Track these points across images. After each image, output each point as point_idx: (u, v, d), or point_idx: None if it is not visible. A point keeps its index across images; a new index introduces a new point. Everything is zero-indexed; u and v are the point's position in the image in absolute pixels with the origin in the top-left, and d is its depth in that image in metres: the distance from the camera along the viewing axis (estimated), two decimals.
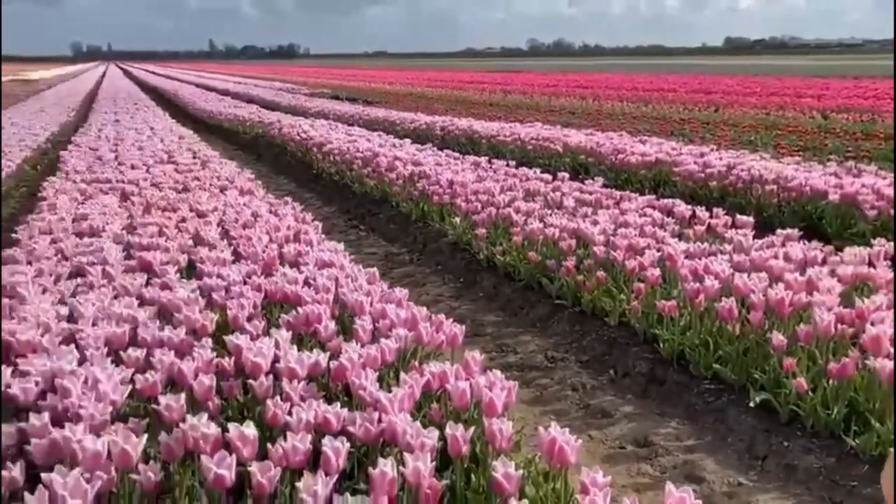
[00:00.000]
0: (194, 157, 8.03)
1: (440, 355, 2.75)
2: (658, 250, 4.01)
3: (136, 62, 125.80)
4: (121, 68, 74.86)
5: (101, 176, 6.52)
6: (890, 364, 2.52)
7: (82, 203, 5.38)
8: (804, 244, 4.06)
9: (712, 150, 8.14)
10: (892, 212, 5.17)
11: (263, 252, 3.76)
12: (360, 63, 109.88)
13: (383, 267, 5.81)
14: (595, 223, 4.66)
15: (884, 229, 5.15)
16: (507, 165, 7.38)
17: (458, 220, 5.60)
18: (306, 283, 3.31)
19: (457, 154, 8.43)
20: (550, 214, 5.18)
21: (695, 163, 7.10)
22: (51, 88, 32.39)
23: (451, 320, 2.85)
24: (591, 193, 5.72)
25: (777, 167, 6.54)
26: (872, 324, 2.80)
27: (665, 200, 5.30)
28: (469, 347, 4.05)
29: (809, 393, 2.75)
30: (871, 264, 3.65)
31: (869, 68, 42.00)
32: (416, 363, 2.53)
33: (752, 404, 2.92)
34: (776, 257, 3.69)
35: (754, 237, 4.28)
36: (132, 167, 7.24)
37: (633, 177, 7.63)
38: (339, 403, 2.15)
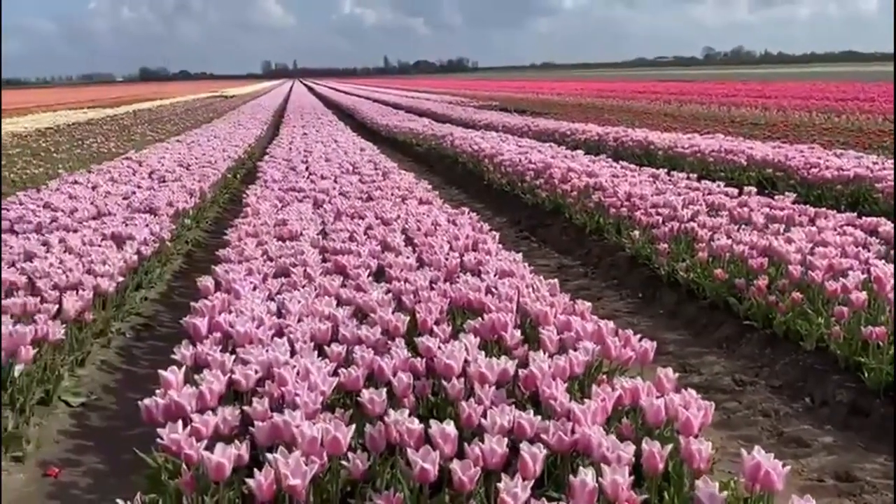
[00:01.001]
0: (375, 168, 8.46)
1: (626, 371, 2.71)
2: (862, 272, 3.70)
3: (317, 79, 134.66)
4: (305, 85, 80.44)
5: (295, 185, 7.05)
6: None
7: (281, 209, 5.86)
8: None
9: None
10: None
11: (446, 259, 3.89)
12: (527, 75, 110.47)
13: (556, 279, 5.81)
14: (789, 241, 4.38)
15: None
16: (688, 178, 7.12)
17: (636, 233, 5.48)
18: (488, 291, 3.39)
19: (632, 166, 8.25)
20: (738, 230, 4.94)
21: None
22: (245, 104, 35.41)
23: (637, 336, 2.81)
24: (781, 209, 5.39)
25: None
26: None
27: (868, 219, 4.89)
28: (650, 366, 4.00)
29: None
30: None
31: None
32: (604, 377, 2.51)
33: None
34: None
35: None
36: (322, 177, 7.77)
37: (827, 193, 7.09)
38: (531, 411, 2.19)
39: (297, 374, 2.42)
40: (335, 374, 2.51)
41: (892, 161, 7.64)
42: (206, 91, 64.14)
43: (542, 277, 5.76)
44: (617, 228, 5.95)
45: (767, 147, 9.34)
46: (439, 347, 2.66)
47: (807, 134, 13.64)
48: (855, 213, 5.23)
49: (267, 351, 2.61)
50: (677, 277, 4.75)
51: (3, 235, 4.98)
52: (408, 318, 3.10)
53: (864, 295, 3.40)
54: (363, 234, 4.70)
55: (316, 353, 2.68)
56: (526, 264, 4.00)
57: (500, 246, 4.60)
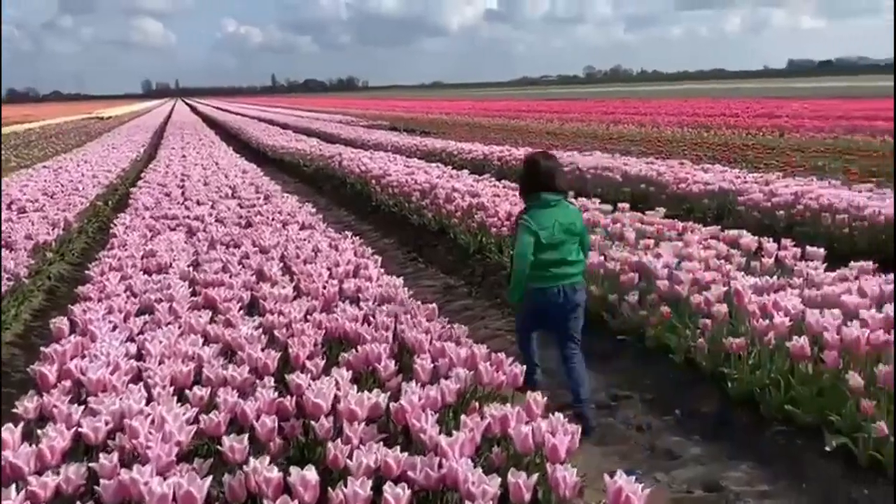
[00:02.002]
0: (257, 192, 8.22)
1: (499, 395, 2.71)
2: (724, 284, 3.89)
3: (202, 98, 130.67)
4: (188, 104, 77.86)
5: (168, 212, 6.74)
6: None
7: (151, 239, 5.57)
8: (880, 277, 3.88)
9: (778, 177, 7.92)
10: None
11: (324, 288, 3.80)
12: (417, 94, 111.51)
13: (441, 300, 5.81)
14: (658, 256, 4.56)
15: None
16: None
17: None
18: (366, 319, 3.32)
19: (515, 185, 8.41)
20: (611, 247, 5.10)
21: (760, 191, 6.91)
22: (122, 125, 33.83)
23: (510, 359, 2.81)
24: (652, 224, 5.61)
25: (848, 195, 6.31)
26: None
27: (730, 232, 5.16)
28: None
29: (891, 438, 2.60)
30: None
31: None
32: (476, 405, 2.49)
33: (828, 448, 2.78)
34: (850, 292, 3.53)
35: (825, 269, 4.13)
36: (198, 203, 7.47)
37: (695, 206, 7.47)
38: (399, 447, 2.13)
39: (152, 422, 2.26)
40: (196, 420, 2.36)
41: (752, 173, 8.17)
42: (81, 112, 60.88)
43: (428, 299, 5.81)
44: (499, 247, 6.02)
45: (641, 163, 9.76)
46: (310, 384, 2.56)
47: (679, 149, 14.41)
48: (719, 227, 5.49)
49: (120, 399, 2.43)
50: None
51: None
52: (280, 353, 2.99)
53: (724, 308, 3.56)
54: (238, 264, 4.53)
55: (176, 398, 2.52)
56: (406, 289, 3.95)
57: (382, 270, 4.55)
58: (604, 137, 18.88)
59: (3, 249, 5.53)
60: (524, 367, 2.78)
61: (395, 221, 8.64)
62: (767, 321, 3.24)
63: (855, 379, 2.77)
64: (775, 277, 3.95)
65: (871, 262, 4.13)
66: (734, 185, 7.34)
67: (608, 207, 6.47)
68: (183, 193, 8.26)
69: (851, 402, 2.80)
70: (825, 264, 4.23)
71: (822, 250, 4.49)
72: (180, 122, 35.56)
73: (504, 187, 8.20)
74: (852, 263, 4.14)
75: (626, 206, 6.49)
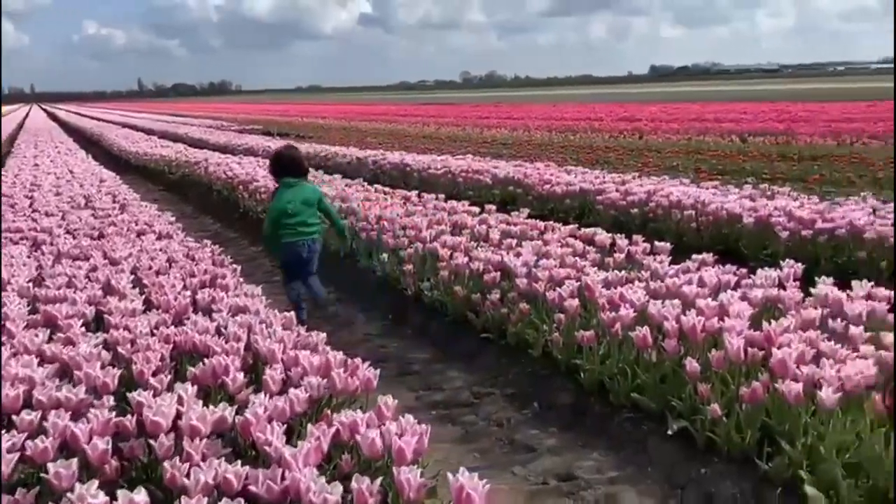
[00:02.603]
0: (114, 201, 7.78)
1: (356, 402, 2.68)
2: (577, 280, 4.04)
3: (61, 103, 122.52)
4: (44, 110, 72.74)
5: (11, 225, 6.24)
6: (797, 386, 2.58)
7: None
8: (719, 268, 4.16)
9: (634, 177, 8.34)
10: (804, 233, 5.35)
11: (175, 300, 3.63)
12: (293, 98, 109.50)
13: (311, 308, 5.71)
14: (518, 255, 4.68)
15: (797, 249, 5.34)
16: (437, 199, 7.39)
17: (385, 256, 5.56)
18: (218, 331, 3.20)
19: (387, 188, 8.40)
20: (477, 247, 5.19)
21: (617, 190, 7.25)
22: None
23: (366, 364, 2.79)
24: (516, 225, 5.76)
25: (695, 192, 6.73)
26: (779, 347, 2.86)
27: (587, 229, 5.38)
28: (397, 387, 4.03)
29: (724, 419, 2.78)
30: (781, 286, 3.75)
31: (785, 93, 44.14)
32: (329, 412, 2.45)
33: (670, 432, 2.94)
34: (690, 283, 3.75)
35: (674, 262, 4.38)
36: (47, 214, 6.98)
37: (558, 206, 7.74)
38: (247, 461, 2.07)
39: None
40: (22, 447, 2.19)
41: (611, 174, 8.57)
42: None
43: (277, 311, 5.70)
44: (368, 252, 5.99)
45: (510, 166, 10.02)
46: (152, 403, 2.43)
47: (547, 152, 14.91)
48: (577, 226, 5.70)
49: None
50: (423, 297, 4.87)
51: None
52: (124, 371, 2.82)
53: (576, 302, 3.69)
54: (84, 278, 4.25)
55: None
56: (264, 298, 3.84)
57: (242, 279, 4.41)
58: (477, 141, 19.27)
59: None
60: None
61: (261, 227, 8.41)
62: (614, 313, 3.39)
63: (692, 365, 2.94)
64: (625, 272, 4.15)
65: (711, 255, 4.41)
66: (594, 186, 7.66)
67: (476, 209, 6.58)
68: (31, 204, 7.69)
69: (690, 386, 2.97)
70: (671, 258, 4.48)
71: (668, 245, 4.76)
72: (35, 128, 33.16)
73: (376, 191, 8.18)
74: (695, 256, 4.41)
75: (493, 207, 6.62)
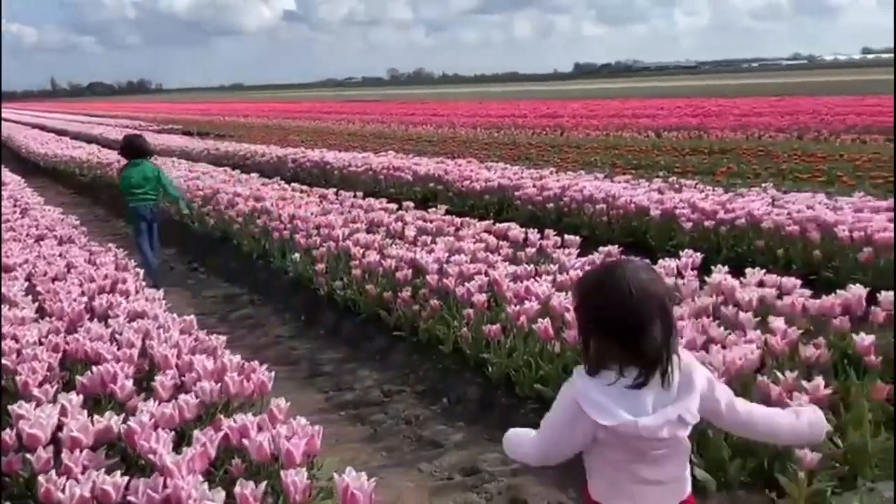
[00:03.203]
0: (14, 206, 7.42)
1: (253, 406, 2.63)
2: (487, 275, 4.07)
3: None
4: None
5: None
6: None
7: None
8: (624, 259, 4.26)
9: (552, 172, 8.48)
10: (706, 223, 5.55)
11: (69, 307, 3.48)
12: (215, 97, 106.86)
13: (222, 310, 5.60)
14: (431, 251, 4.68)
15: (700, 240, 5.52)
16: (354, 196, 7.33)
17: (297, 256, 5.48)
18: (113, 338, 3.09)
19: (304, 187, 8.28)
20: (392, 245, 5.17)
21: (534, 186, 7.35)
22: None
23: (264, 367, 2.73)
24: (432, 221, 5.76)
25: (607, 187, 6.89)
26: None
27: (502, 225, 5.42)
28: (307, 388, 3.99)
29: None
30: (679, 275, 3.87)
31: (701, 89, 45.71)
32: (221, 418, 2.39)
33: None
34: None
35: (584, 254, 4.47)
36: None
37: (478, 202, 7.79)
38: (130, 471, 2.00)
39: None
40: None
41: (530, 170, 8.69)
42: None
43: (208, 311, 5.56)
44: (282, 252, 5.89)
45: (432, 163, 10.03)
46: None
47: (471, 149, 14.99)
48: (491, 221, 5.74)
49: None
50: (335, 297, 4.82)
51: None
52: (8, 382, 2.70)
53: (484, 297, 3.72)
54: None
55: None
56: (164, 301, 3.73)
57: (144, 283, 4.27)
58: (403, 138, 19.21)
59: None
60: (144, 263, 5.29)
61: (177, 230, 8.17)
62: (520, 306, 3.43)
63: None
64: (535, 266, 4.21)
65: (618, 247, 4.52)
66: (511, 182, 7.75)
67: (394, 206, 6.56)
68: None
69: None
70: (580, 251, 4.57)
71: (577, 238, 4.86)
72: None
73: (293, 190, 8.06)
74: (602, 248, 4.50)
75: (411, 204, 6.62)
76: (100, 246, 5.28)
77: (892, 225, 4.63)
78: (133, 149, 6.44)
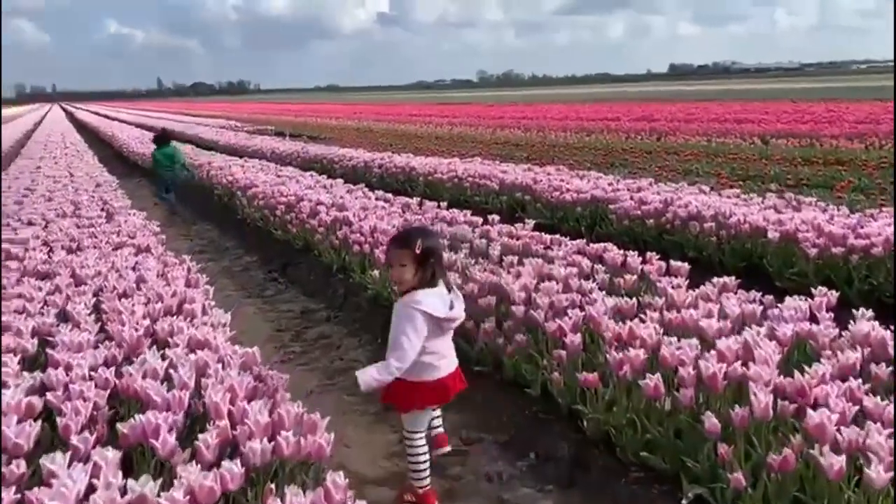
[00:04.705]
0: (102, 209, 7.44)
1: (308, 468, 2.27)
2: (582, 307, 3.60)
3: (81, 102, 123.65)
4: (64, 109, 73.18)
5: None
6: (838, 460, 2.13)
7: None
8: (742, 295, 3.71)
9: (650, 183, 7.87)
10: (834, 250, 4.88)
11: (129, 333, 3.24)
12: (311, 97, 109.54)
13: (298, 326, 5.35)
14: (518, 276, 4.24)
15: (826, 268, 4.87)
16: (438, 207, 6.97)
17: (377, 272, 5.15)
18: (167, 375, 2.80)
19: (389, 196, 7.99)
20: (475, 264, 4.77)
21: (631, 198, 6.79)
22: None
23: (326, 420, 2.37)
24: (518, 238, 5.33)
25: (715, 202, 6.26)
26: (815, 402, 2.42)
27: (596, 245, 4.91)
28: (378, 426, 3.63)
29: (749, 489, 2.34)
30: (813, 318, 3.29)
31: (807, 91, 43.28)
32: (272, 487, 2.05)
33: (684, 502, 2.50)
34: (710, 315, 3.31)
35: (691, 280, 3.95)
36: (29, 223, 6.65)
37: (569, 215, 7.29)
38: None
39: None
40: None
41: (627, 179, 8.10)
42: None
43: (284, 326, 5.32)
44: (362, 267, 5.59)
45: (520, 170, 9.57)
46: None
47: (561, 154, 14.42)
48: (584, 240, 5.24)
49: None
50: None
51: None
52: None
53: (578, 338, 3.25)
54: (41, 302, 3.88)
55: None
56: (227, 329, 3.45)
57: (213, 303, 4.02)
58: (490, 142, 18.81)
59: None
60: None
61: (260, 237, 8.05)
62: (622, 354, 2.95)
63: (711, 421, 2.50)
64: (635, 299, 3.70)
65: (734, 278, 3.95)
66: (606, 193, 7.21)
67: (478, 219, 6.16)
68: (17, 213, 7.38)
69: (709, 445, 2.54)
70: (689, 279, 4.03)
71: (686, 265, 4.31)
72: (50, 128, 33.18)
73: (376, 199, 7.77)
74: (715, 279, 3.95)
75: (496, 218, 6.19)
76: (175, 257, 5.11)
77: None
78: (162, 137, 11.64)
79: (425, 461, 2.74)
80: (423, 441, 2.73)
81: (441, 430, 2.86)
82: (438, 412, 2.86)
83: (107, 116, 45.21)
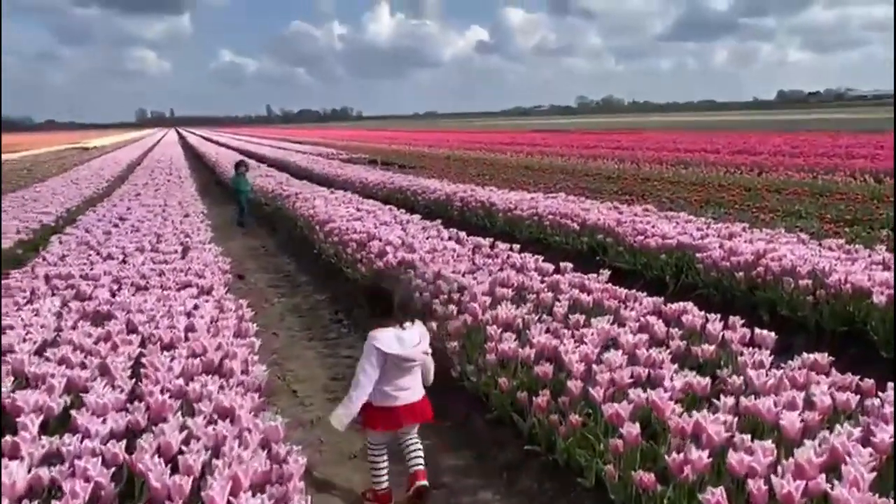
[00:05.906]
0: (181, 242, 7.55)
1: None
2: (648, 385, 3.21)
3: (196, 127, 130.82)
4: (179, 133, 77.51)
5: (62, 270, 6.05)
6: None
7: (23, 307, 4.90)
8: (834, 375, 3.23)
9: (744, 228, 7.29)
10: None
11: (154, 398, 3.10)
12: (409, 124, 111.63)
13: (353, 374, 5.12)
14: (581, 341, 3.88)
15: None
16: (511, 250, 6.66)
17: (434, 325, 4.88)
18: (180, 450, 2.63)
19: (462, 234, 7.73)
20: (538, 321, 4.43)
21: (721, 246, 6.26)
22: (101, 157, 33.17)
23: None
24: (590, 293, 4.95)
25: (813, 256, 5.66)
26: None
27: (674, 306, 4.47)
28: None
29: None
30: None
31: None
32: None
33: None
34: (794, 406, 2.85)
35: (782, 344, 3.50)
36: (109, 257, 6.80)
37: (652, 262, 6.81)
38: None
39: None
40: None
41: (718, 222, 7.54)
42: (68, 142, 60.22)
43: (340, 375, 5.13)
44: (422, 316, 5.33)
45: (604, 209, 9.14)
46: None
47: (653, 189, 13.80)
48: (662, 298, 4.80)
49: None
50: (465, 383, 4.16)
51: None
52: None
53: (637, 428, 2.86)
54: (82, 353, 3.84)
55: None
56: (256, 396, 3.26)
57: (257, 358, 3.87)
58: (581, 173, 18.32)
59: None
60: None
61: (332, 273, 7.96)
62: (683, 455, 2.55)
63: None
64: (708, 378, 3.28)
65: (826, 355, 3.45)
66: (693, 240, 6.69)
67: (550, 267, 5.81)
68: (102, 243, 7.60)
69: None
70: (772, 355, 3.56)
71: (772, 335, 3.83)
72: (161, 152, 34.99)
73: (450, 238, 7.53)
74: (805, 355, 3.47)
75: (569, 266, 5.82)
76: (232, 302, 5.02)
77: None
78: (240, 166, 14.16)
79: (383, 467, 3.24)
80: (383, 451, 3.26)
81: (420, 466, 3.19)
82: (419, 446, 3.24)
83: (217, 142, 47.30)
